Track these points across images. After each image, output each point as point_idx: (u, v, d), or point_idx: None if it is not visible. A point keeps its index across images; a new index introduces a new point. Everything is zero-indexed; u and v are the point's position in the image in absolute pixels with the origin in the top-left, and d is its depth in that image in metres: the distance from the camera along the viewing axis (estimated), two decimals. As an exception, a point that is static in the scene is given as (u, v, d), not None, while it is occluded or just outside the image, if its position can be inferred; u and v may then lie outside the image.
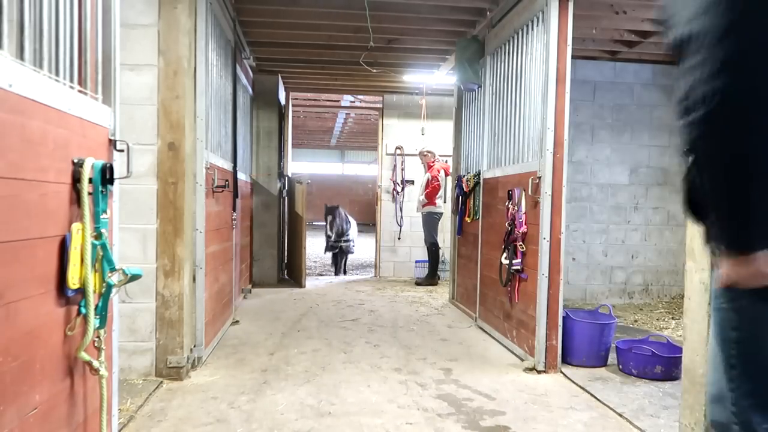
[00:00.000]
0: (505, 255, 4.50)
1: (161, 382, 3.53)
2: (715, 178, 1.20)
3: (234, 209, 5.23)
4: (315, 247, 11.75)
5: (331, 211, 9.07)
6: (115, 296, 1.95)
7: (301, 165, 24.21)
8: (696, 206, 1.36)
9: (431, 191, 7.78)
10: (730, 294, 1.31)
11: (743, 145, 1.15)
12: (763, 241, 1.19)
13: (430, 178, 7.81)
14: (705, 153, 1.20)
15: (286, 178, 8.61)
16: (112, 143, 2.05)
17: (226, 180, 4.70)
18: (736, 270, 1.23)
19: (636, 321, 5.81)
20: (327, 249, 9.41)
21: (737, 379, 1.32)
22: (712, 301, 1.41)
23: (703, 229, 1.36)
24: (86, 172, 1.72)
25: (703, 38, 1.14)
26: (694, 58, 1.18)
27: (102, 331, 1.83)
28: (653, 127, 6.74)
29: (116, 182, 1.92)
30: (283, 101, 8.59)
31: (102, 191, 1.82)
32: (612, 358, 4.14)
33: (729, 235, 1.22)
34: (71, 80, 1.81)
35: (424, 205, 7.87)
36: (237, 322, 5.33)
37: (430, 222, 7.89)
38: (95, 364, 1.81)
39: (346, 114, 13.78)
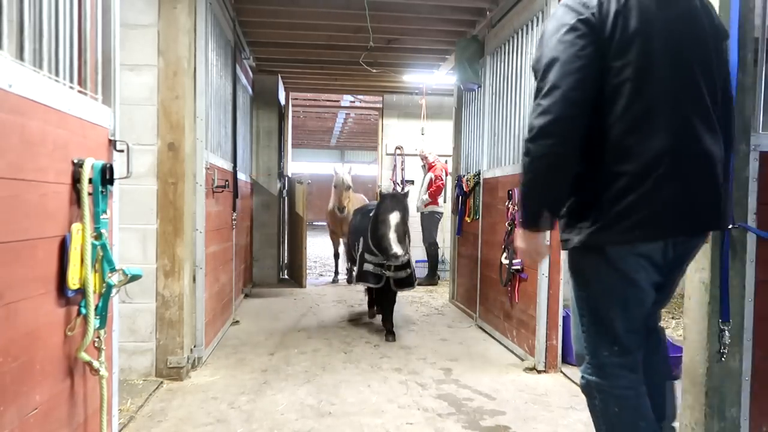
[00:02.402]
0: (505, 255, 4.50)
1: (161, 382, 3.53)
2: (531, 180, 1.89)
3: (234, 209, 5.23)
4: (315, 247, 11.75)
5: (399, 203, 4.59)
6: (115, 296, 1.94)
7: (301, 165, 24.19)
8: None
9: (435, 190, 7.78)
10: (577, 268, 1.95)
11: (549, 164, 1.80)
12: (545, 226, 1.92)
13: (433, 178, 7.81)
14: (528, 163, 1.86)
15: (286, 178, 8.61)
16: (112, 143, 2.05)
17: (226, 180, 4.70)
18: (527, 242, 1.96)
19: (636, 321, 5.80)
20: (362, 277, 4.92)
21: (586, 324, 1.95)
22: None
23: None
24: (86, 173, 1.72)
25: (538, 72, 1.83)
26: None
27: (102, 332, 1.83)
28: (653, 127, 6.72)
29: (116, 182, 1.92)
30: (282, 101, 8.59)
31: (102, 191, 1.82)
32: (612, 357, 4.14)
33: (530, 217, 1.93)
34: (71, 81, 1.81)
35: (426, 205, 7.87)
36: (237, 322, 5.33)
37: (431, 221, 7.89)
38: (95, 364, 1.80)
39: (346, 114, 13.80)
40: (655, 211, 1.74)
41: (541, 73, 1.78)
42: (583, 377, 1.97)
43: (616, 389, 1.88)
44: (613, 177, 1.76)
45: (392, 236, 4.34)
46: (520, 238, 1.97)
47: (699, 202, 1.80)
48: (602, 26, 1.74)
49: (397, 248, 4.31)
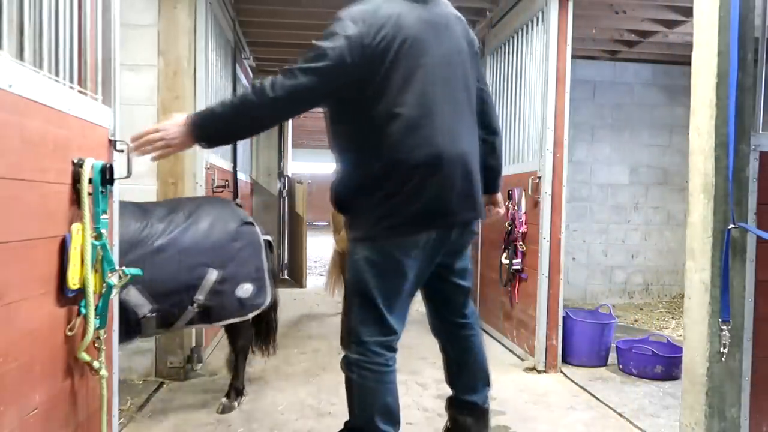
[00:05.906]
0: (505, 255, 4.50)
1: (162, 382, 3.53)
2: (247, 110, 2.06)
3: (234, 209, 5.21)
4: (315, 247, 11.74)
5: None
6: (115, 296, 1.94)
7: (301, 165, 24.19)
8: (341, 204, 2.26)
9: None
10: (355, 258, 2.13)
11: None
12: (205, 145, 2.16)
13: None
14: (257, 101, 2.04)
15: (286, 179, 8.61)
16: (112, 143, 2.05)
17: (226, 180, 4.70)
18: (177, 134, 2.05)
19: (636, 321, 5.81)
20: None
21: (355, 305, 2.15)
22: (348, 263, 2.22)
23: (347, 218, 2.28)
24: (86, 173, 1.72)
25: None
26: None
27: (102, 332, 1.83)
28: (653, 127, 6.74)
29: (116, 182, 1.92)
30: (283, 101, 8.57)
31: (102, 191, 1.82)
32: (612, 357, 4.14)
33: (215, 135, 2.14)
34: (71, 80, 1.81)
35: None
36: (237, 322, 5.32)
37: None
38: (95, 364, 1.80)
39: (346, 114, 13.77)
40: (419, 210, 2.04)
41: (312, 54, 2.01)
42: (346, 356, 2.18)
43: (374, 365, 2.14)
44: (385, 182, 2.03)
45: None
46: (174, 126, 2.04)
47: (455, 200, 2.10)
48: (365, 49, 1.98)
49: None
